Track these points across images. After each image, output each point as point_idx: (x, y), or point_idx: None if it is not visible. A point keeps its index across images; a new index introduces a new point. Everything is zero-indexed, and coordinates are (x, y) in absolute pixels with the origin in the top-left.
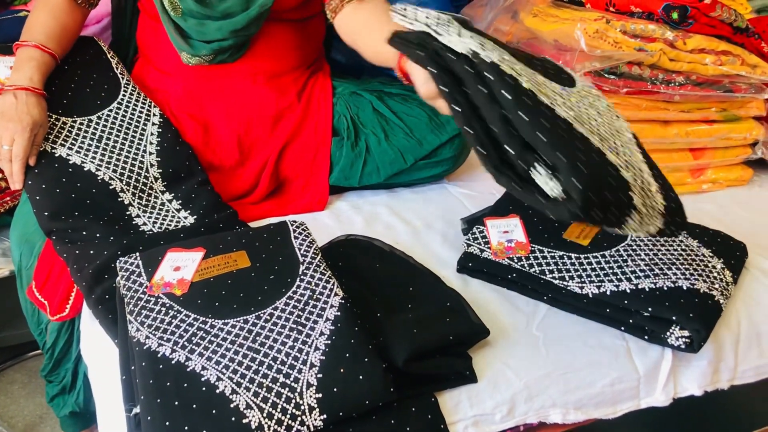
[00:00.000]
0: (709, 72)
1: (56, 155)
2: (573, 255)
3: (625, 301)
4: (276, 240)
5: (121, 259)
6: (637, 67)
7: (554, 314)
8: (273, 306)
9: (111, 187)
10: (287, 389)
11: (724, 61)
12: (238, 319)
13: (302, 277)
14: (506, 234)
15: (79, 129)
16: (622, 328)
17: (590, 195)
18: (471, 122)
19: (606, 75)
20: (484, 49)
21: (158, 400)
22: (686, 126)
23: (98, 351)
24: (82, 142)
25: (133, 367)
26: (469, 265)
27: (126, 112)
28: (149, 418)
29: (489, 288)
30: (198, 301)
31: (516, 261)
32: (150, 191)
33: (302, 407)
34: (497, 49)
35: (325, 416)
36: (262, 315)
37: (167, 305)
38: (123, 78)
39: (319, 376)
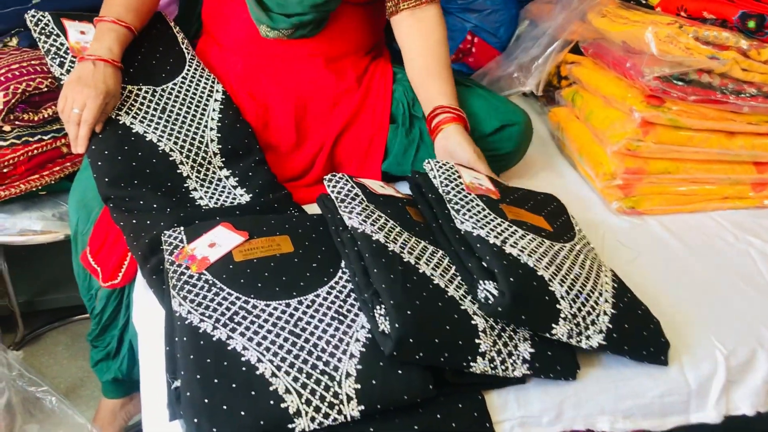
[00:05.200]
0: None
1: (120, 122)
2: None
3: (478, 245)
4: (319, 229)
5: (165, 232)
6: (707, 75)
7: None
8: (315, 293)
9: (171, 159)
10: (327, 377)
11: None
12: (280, 302)
13: (344, 270)
14: (476, 179)
15: (144, 98)
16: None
17: (407, 338)
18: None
19: (675, 81)
20: (362, 225)
21: (198, 377)
22: (753, 138)
23: (150, 321)
24: (146, 112)
25: (176, 339)
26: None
27: (190, 86)
28: (188, 393)
29: None
30: (241, 280)
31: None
32: (208, 166)
33: (340, 396)
34: (385, 224)
35: (362, 407)
36: (303, 300)
37: (210, 282)
38: (188, 53)
39: (359, 367)
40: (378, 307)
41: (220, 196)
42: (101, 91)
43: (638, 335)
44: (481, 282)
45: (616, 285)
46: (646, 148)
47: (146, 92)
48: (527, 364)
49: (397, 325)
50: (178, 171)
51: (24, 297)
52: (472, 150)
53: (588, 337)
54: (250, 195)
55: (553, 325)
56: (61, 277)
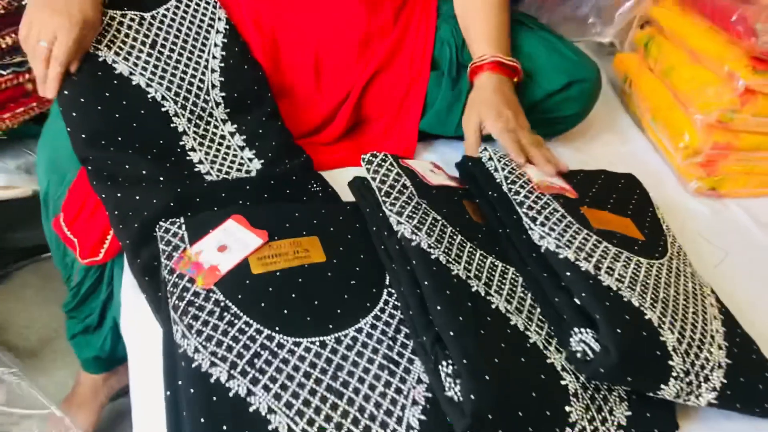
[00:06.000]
0: None
1: (100, 59)
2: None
3: (567, 273)
4: (354, 227)
5: (161, 224)
6: None
7: None
8: (356, 327)
9: (163, 109)
10: None
11: None
12: (313, 339)
13: (390, 289)
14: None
15: (129, 28)
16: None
17: (486, 414)
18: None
19: None
20: (416, 235)
21: None
22: None
23: (144, 340)
24: (132, 46)
25: (180, 384)
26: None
27: (186, 13)
28: None
29: None
30: (261, 304)
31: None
32: (209, 119)
33: None
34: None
35: None
36: (342, 339)
37: (222, 305)
38: None
39: None
40: (444, 363)
41: (224, 160)
42: (77, 20)
43: (753, 389)
44: (575, 330)
45: (723, 317)
46: (741, 121)
47: (131, 20)
48: (622, 430)
49: (473, 397)
50: (172, 125)
51: None
52: (505, 119)
53: (698, 396)
54: (261, 161)
55: (662, 386)
56: (25, 214)
